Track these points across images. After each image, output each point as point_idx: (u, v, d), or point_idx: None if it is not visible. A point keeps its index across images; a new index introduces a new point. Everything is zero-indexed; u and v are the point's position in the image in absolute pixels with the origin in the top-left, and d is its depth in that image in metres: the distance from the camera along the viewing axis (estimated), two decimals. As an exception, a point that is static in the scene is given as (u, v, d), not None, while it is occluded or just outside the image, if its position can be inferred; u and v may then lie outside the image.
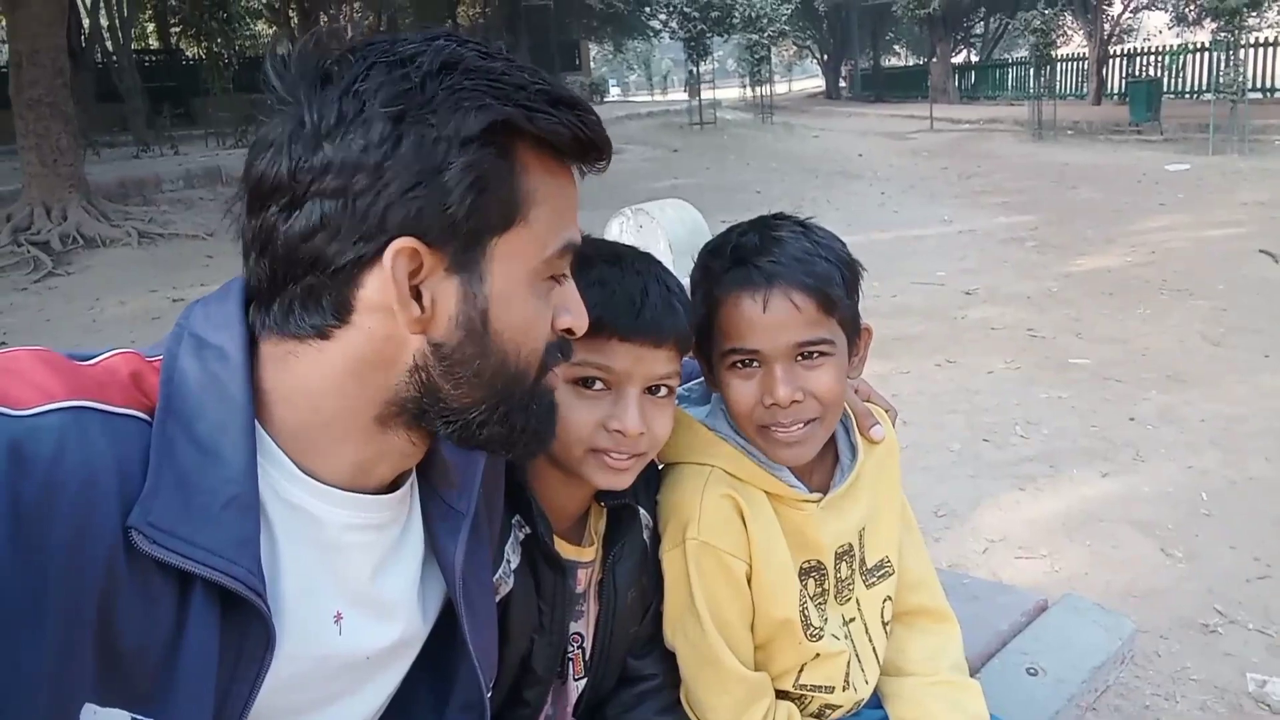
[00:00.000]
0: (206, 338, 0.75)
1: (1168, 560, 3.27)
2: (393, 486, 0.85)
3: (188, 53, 23.49)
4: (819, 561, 1.26)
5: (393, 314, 0.73)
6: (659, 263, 1.13)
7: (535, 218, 0.75)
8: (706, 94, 21.80)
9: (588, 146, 0.78)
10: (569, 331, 0.83)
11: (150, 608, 0.68)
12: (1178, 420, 4.49)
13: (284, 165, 0.71)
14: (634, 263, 1.09)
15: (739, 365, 1.16)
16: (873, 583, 1.32)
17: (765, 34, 22.05)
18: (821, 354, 1.14)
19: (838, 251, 1.17)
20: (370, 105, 0.70)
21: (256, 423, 0.75)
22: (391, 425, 0.78)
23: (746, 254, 1.14)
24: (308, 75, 0.73)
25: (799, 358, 1.14)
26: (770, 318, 1.12)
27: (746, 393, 1.15)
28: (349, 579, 0.82)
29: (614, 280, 1.05)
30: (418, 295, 0.73)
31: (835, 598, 1.28)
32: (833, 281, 1.14)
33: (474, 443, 0.81)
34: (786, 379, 1.13)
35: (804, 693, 1.28)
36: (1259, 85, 19.88)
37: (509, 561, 1.09)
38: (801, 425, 1.16)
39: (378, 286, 0.72)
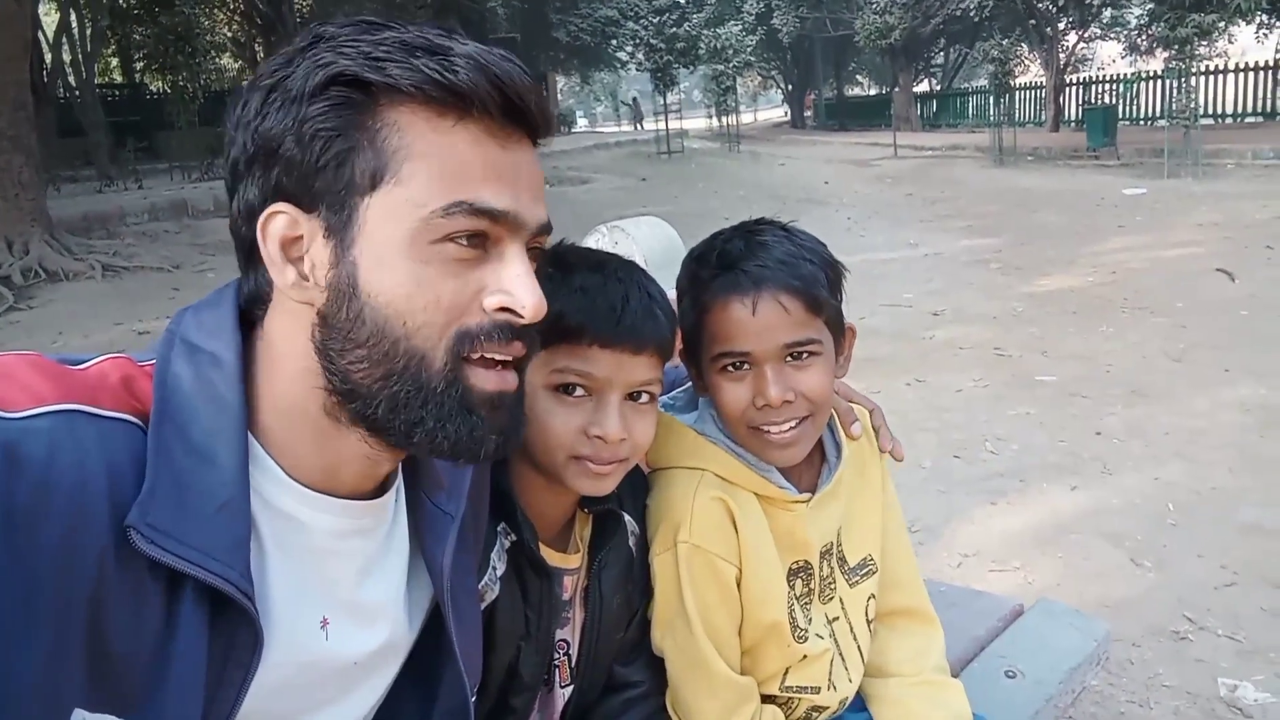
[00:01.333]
0: (199, 344, 0.76)
1: (1137, 570, 3.32)
2: (378, 491, 0.85)
3: (152, 86, 23.37)
4: (807, 562, 1.27)
5: (299, 290, 0.74)
6: (642, 270, 1.14)
7: (409, 175, 0.71)
8: (674, 124, 22.02)
9: (469, 94, 0.71)
10: (511, 314, 0.75)
11: (140, 610, 0.68)
12: (1143, 434, 4.57)
13: (231, 157, 0.76)
14: (616, 270, 1.10)
15: (730, 368, 1.17)
16: (856, 581, 1.33)
17: (731, 65, 22.36)
18: (810, 354, 1.16)
19: (821, 253, 1.20)
20: (257, 88, 0.74)
21: (249, 428, 0.75)
22: (338, 418, 0.76)
23: (733, 259, 1.16)
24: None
25: (788, 358, 1.16)
26: (759, 320, 1.14)
27: (738, 395, 1.17)
28: (335, 585, 0.82)
29: (595, 287, 1.06)
30: (301, 264, 0.74)
31: (819, 596, 1.30)
32: (818, 282, 1.16)
33: (387, 437, 0.76)
34: (777, 379, 1.14)
35: (790, 695, 1.29)
36: (1211, 111, 20.45)
37: (494, 569, 1.09)
38: (793, 425, 1.17)
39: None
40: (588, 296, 1.05)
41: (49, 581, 0.63)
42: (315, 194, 0.72)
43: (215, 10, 24.11)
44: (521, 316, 0.75)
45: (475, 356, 0.75)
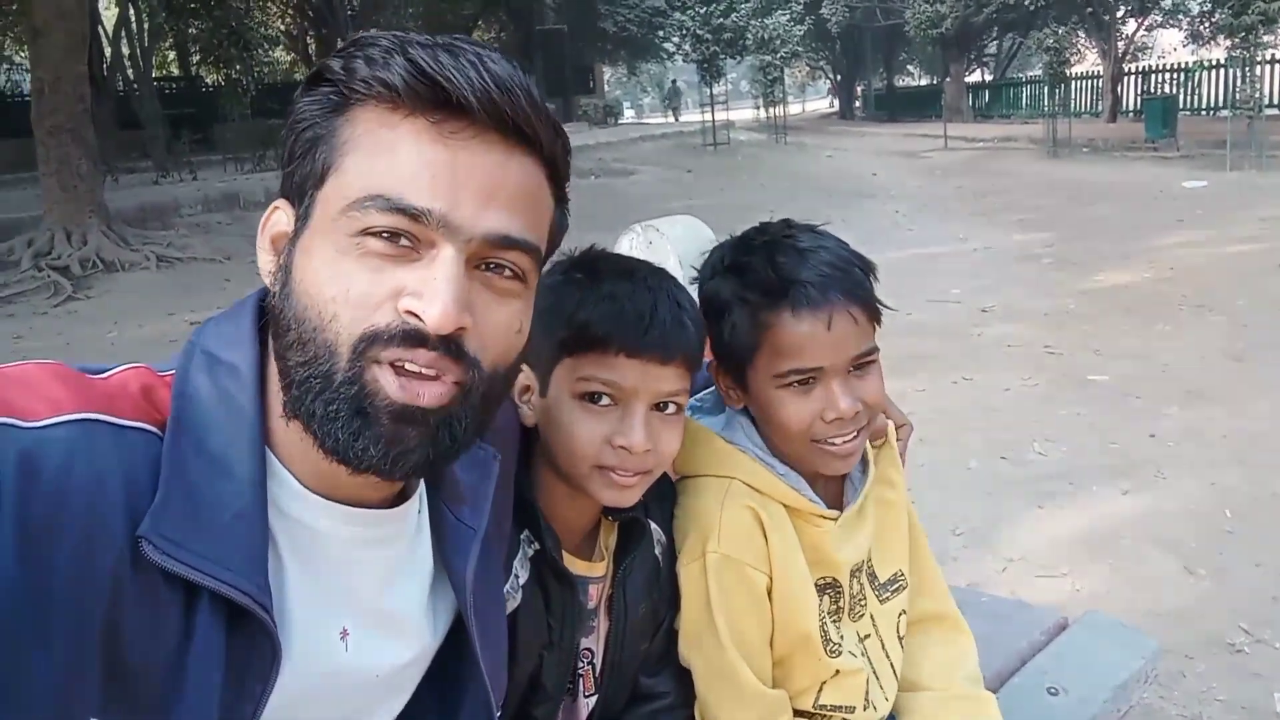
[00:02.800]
0: (219, 354, 0.76)
1: (1191, 579, 3.22)
2: (396, 500, 0.84)
3: (207, 79, 23.83)
4: (834, 579, 1.24)
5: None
6: (672, 278, 1.12)
7: (347, 166, 0.71)
8: (720, 115, 21.90)
9: (403, 89, 0.70)
10: (417, 319, 0.69)
11: (156, 621, 0.68)
12: (1199, 437, 4.43)
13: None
14: (646, 278, 1.08)
15: (795, 384, 1.15)
16: (886, 598, 1.31)
17: (778, 55, 22.17)
18: (871, 362, 1.16)
19: (859, 256, 1.19)
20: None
21: (265, 439, 0.75)
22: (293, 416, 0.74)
23: (789, 272, 1.13)
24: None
25: (852, 369, 1.15)
26: (834, 334, 1.12)
27: (805, 410, 1.15)
28: (355, 595, 0.81)
29: (624, 295, 1.04)
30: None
31: (849, 614, 1.27)
32: (871, 289, 1.16)
33: (308, 430, 0.72)
34: (846, 391, 1.13)
35: (824, 713, 1.26)
36: (1275, 101, 19.79)
37: (517, 576, 1.08)
38: (855, 434, 1.16)
39: None
40: (616, 304, 1.04)
41: (64, 590, 0.62)
42: (294, 187, 0.76)
43: (269, 4, 24.52)
44: (423, 322, 0.69)
45: (385, 359, 0.70)
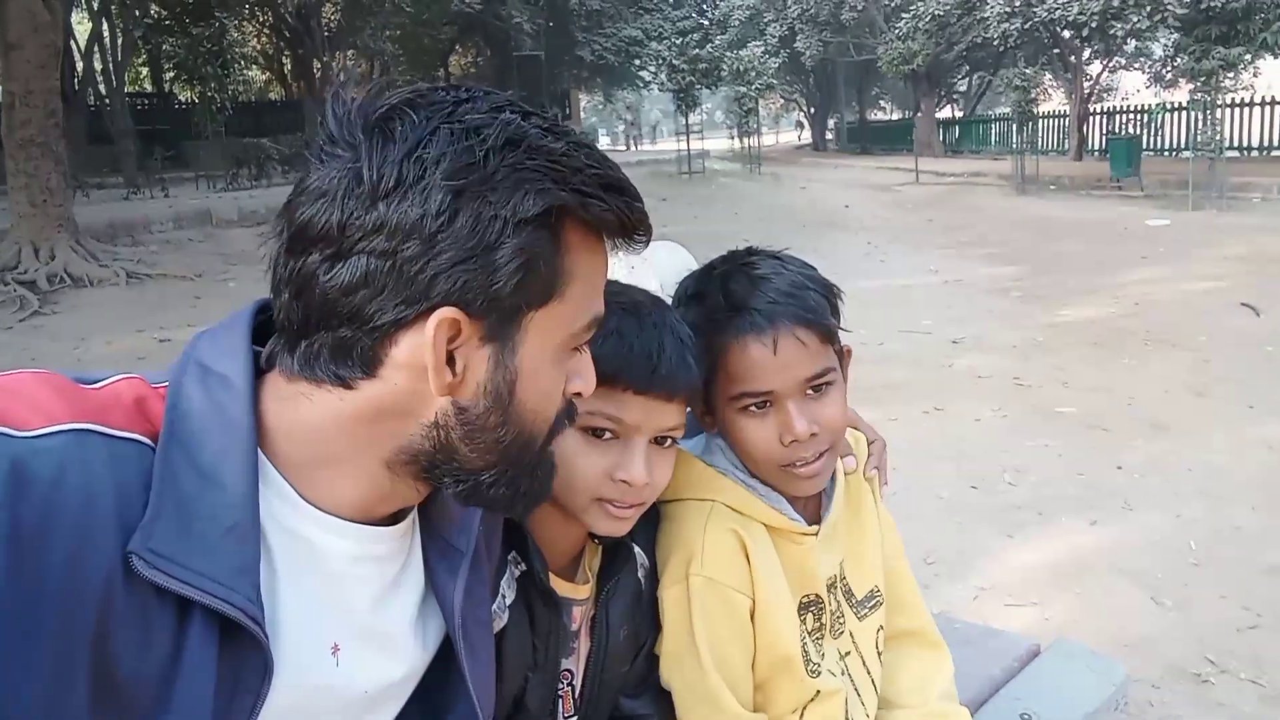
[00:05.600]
0: (212, 366, 0.76)
1: (1158, 609, 3.26)
2: (395, 519, 0.84)
3: (180, 96, 23.70)
4: (817, 595, 1.25)
5: (421, 373, 0.73)
6: (673, 312, 1.14)
7: (571, 295, 0.77)
8: (695, 144, 22.09)
9: (631, 230, 0.80)
10: (577, 395, 0.84)
11: (147, 634, 0.67)
12: (1164, 469, 4.51)
13: (335, 216, 0.71)
14: (650, 314, 1.09)
15: (752, 408, 1.16)
16: (864, 614, 1.32)
17: (753, 87, 22.43)
18: (827, 383, 1.16)
19: (818, 279, 1.20)
20: (431, 174, 0.70)
21: (260, 451, 0.75)
22: (400, 472, 0.78)
23: (741, 298, 1.15)
24: (368, 126, 0.72)
25: (808, 391, 1.15)
26: (780, 358, 1.13)
27: (763, 434, 1.16)
28: (348, 611, 0.81)
29: (631, 333, 1.05)
30: (451, 361, 0.73)
31: (830, 631, 1.27)
32: (826, 311, 1.16)
33: (478, 501, 0.82)
34: (800, 414, 1.14)
35: None
36: (1236, 144, 20.31)
37: (504, 597, 1.07)
38: (819, 456, 1.17)
39: (412, 348, 0.72)
40: (624, 342, 1.04)
41: (54, 603, 0.62)
42: (492, 304, 0.72)
43: (245, 23, 24.45)
44: (583, 398, 0.86)
45: None
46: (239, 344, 0.77)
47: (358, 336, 0.72)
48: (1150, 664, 2.89)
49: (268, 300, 0.79)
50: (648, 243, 0.82)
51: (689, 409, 1.23)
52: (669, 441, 1.10)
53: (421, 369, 0.72)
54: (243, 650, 0.71)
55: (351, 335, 0.72)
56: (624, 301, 1.08)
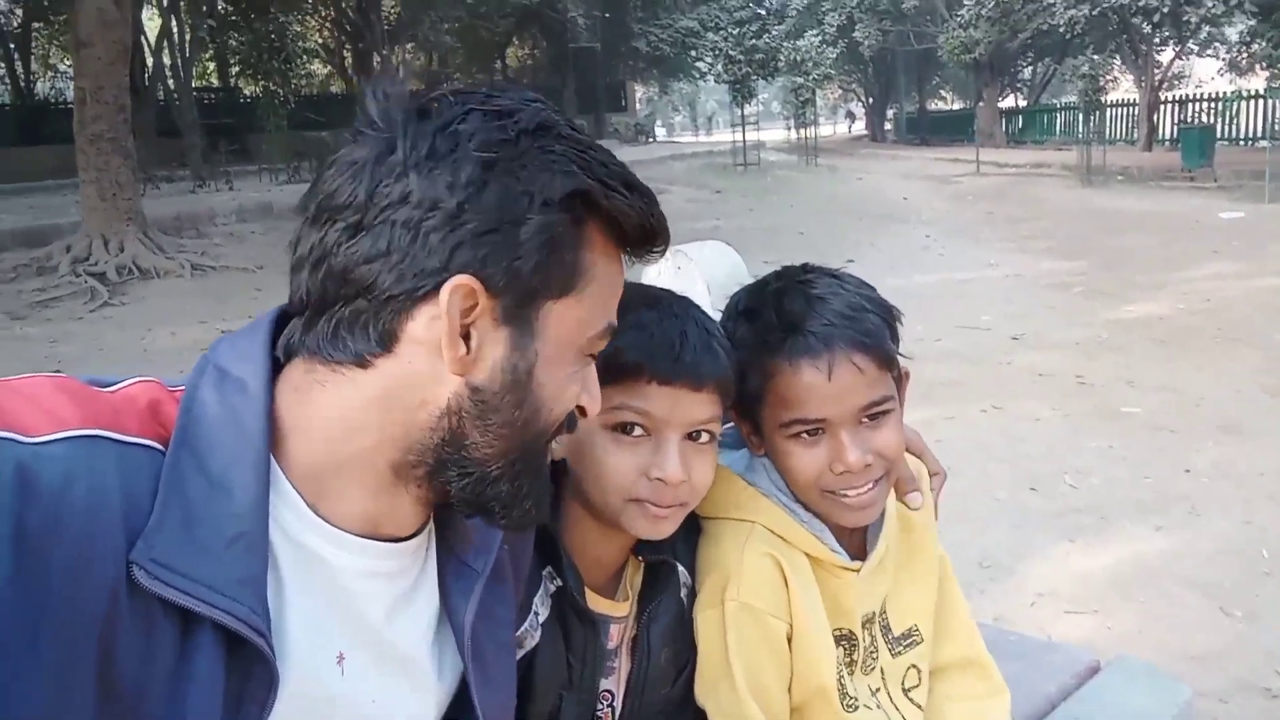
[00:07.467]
0: (229, 369, 0.75)
1: (1226, 620, 3.14)
2: (407, 536, 0.83)
3: (245, 90, 24.21)
4: (850, 630, 1.20)
5: (437, 352, 0.72)
6: (697, 306, 1.11)
7: (589, 294, 0.77)
8: (751, 136, 21.93)
9: (649, 235, 0.81)
10: (581, 411, 0.84)
11: (152, 644, 0.66)
12: (1234, 474, 4.34)
13: (363, 185, 0.71)
14: (672, 306, 1.07)
15: (803, 435, 1.11)
16: (899, 651, 1.26)
17: (810, 77, 22.20)
18: (884, 412, 1.10)
19: (877, 300, 1.14)
20: (464, 146, 0.71)
21: (272, 460, 0.73)
22: (406, 477, 0.77)
23: (795, 318, 1.10)
24: (406, 106, 0.74)
25: (864, 419, 1.10)
26: (835, 385, 1.07)
27: (812, 461, 1.11)
28: (356, 622, 0.80)
29: (652, 323, 1.03)
30: (466, 336, 0.73)
31: (861, 667, 1.22)
32: (884, 336, 1.10)
33: (480, 503, 0.80)
34: (855, 443, 1.08)
35: None
36: (1315, 132, 19.55)
37: (536, 614, 1.06)
38: (871, 487, 1.11)
39: (427, 321, 0.72)
40: (645, 332, 1.02)
41: (58, 610, 0.61)
42: (511, 282, 0.73)
43: (308, 18, 24.90)
44: (585, 416, 0.87)
45: None
46: (259, 348, 0.76)
47: (374, 308, 0.72)
48: (1217, 678, 2.78)
49: (289, 307, 0.79)
50: (663, 253, 0.83)
51: (736, 425, 1.21)
52: (705, 437, 1.06)
53: (438, 346, 0.72)
54: (249, 661, 0.70)
55: (367, 307, 0.72)
56: (645, 296, 1.06)
